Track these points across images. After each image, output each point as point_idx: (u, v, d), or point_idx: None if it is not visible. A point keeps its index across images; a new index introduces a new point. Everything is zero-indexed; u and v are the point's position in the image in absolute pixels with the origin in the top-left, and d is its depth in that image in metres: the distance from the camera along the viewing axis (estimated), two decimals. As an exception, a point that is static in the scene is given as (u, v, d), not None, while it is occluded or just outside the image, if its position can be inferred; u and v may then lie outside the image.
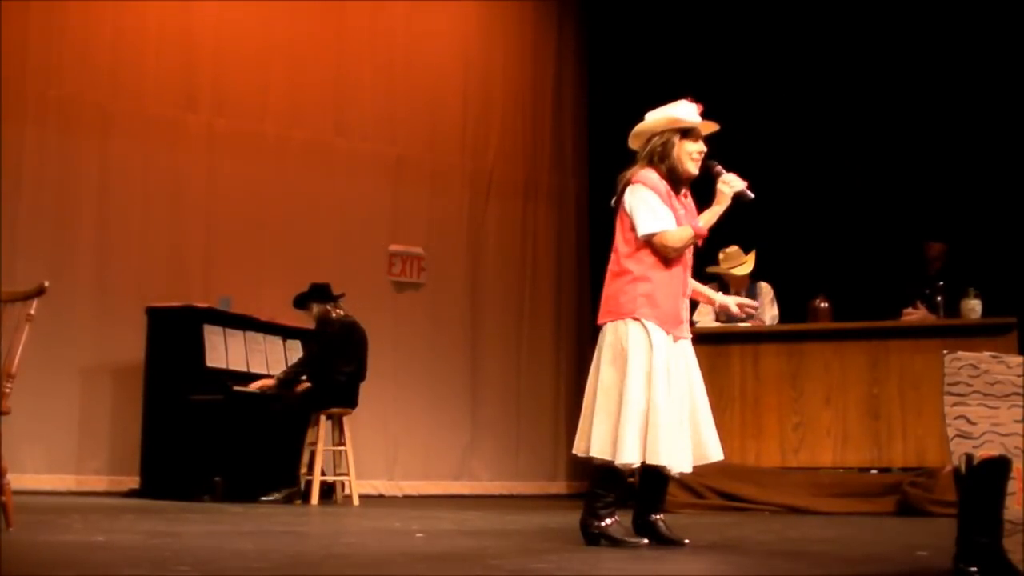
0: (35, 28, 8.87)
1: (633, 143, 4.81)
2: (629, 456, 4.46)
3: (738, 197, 4.70)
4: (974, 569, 3.31)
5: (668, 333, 4.60)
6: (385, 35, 10.49)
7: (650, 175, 4.65)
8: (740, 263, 8.33)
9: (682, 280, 4.71)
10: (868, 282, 9.10)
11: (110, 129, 9.16)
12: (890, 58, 10.06)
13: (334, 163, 10.14)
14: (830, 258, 9.66)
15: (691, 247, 4.75)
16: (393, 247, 10.37)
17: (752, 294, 8.43)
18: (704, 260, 8.47)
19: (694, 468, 4.65)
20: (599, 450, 4.53)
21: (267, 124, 9.87)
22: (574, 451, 4.70)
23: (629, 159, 4.90)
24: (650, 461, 4.46)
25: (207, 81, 9.63)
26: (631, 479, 4.78)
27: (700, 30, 10.76)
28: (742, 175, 4.78)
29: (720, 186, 4.71)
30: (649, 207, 4.59)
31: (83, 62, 9.10)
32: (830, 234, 9.93)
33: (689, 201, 4.78)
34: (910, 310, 8.03)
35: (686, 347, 4.71)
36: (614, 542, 4.56)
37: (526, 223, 11.16)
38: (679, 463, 4.52)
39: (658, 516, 4.74)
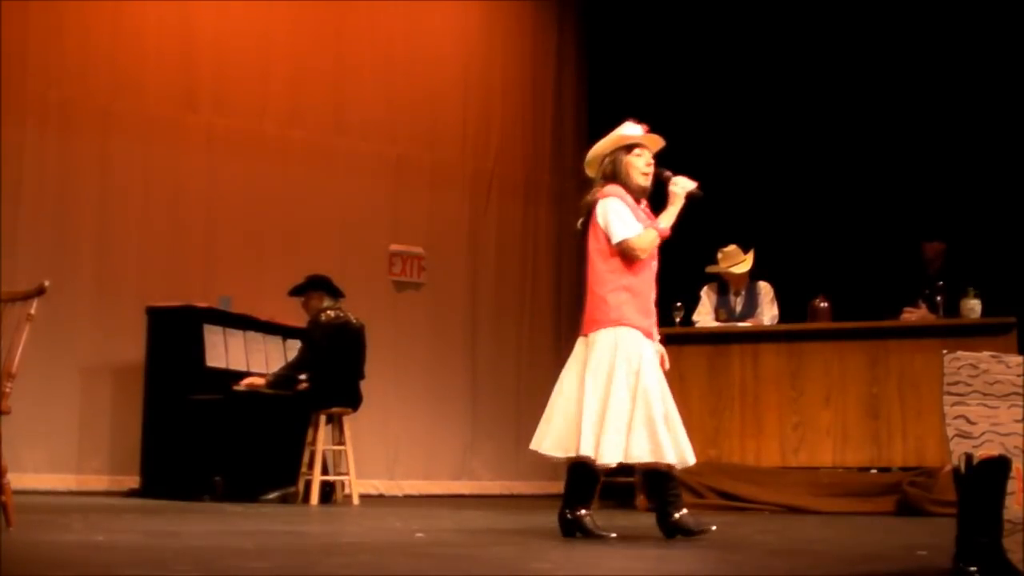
0: (35, 28, 8.86)
1: (589, 171, 5.14)
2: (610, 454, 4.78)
3: (690, 196, 5.02)
4: (974, 569, 3.31)
5: (644, 334, 4.89)
6: (385, 35, 10.48)
7: (616, 188, 4.99)
8: (739, 262, 8.35)
9: (653, 282, 4.99)
10: (868, 282, 9.09)
11: (110, 129, 9.16)
12: (889, 58, 10.06)
13: (334, 163, 10.13)
14: (830, 258, 9.66)
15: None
16: (393, 247, 10.37)
17: (752, 294, 8.44)
18: (703, 259, 8.50)
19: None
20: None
21: (267, 124, 9.86)
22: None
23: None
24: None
25: (207, 81, 9.63)
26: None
27: (700, 31, 10.76)
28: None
29: (672, 188, 5.03)
30: (618, 216, 4.90)
31: (83, 62, 9.09)
32: (830, 234, 9.92)
33: (643, 213, 5.02)
34: (911, 308, 8.02)
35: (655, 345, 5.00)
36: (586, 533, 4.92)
37: (526, 223, 11.15)
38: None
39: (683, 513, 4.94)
